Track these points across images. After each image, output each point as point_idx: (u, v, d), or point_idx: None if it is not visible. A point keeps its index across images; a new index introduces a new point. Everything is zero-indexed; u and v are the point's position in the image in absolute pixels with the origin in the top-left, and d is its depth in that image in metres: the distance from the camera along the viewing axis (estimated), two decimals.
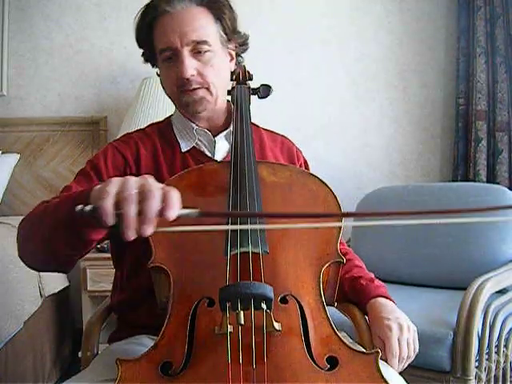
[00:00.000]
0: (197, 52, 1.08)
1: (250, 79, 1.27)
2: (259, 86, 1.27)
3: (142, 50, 1.18)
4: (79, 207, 0.70)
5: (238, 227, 0.86)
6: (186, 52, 1.07)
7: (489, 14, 2.45)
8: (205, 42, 1.08)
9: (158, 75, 1.18)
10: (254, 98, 1.26)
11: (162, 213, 0.68)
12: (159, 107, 2.30)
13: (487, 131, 2.48)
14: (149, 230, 0.68)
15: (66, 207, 0.82)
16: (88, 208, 0.69)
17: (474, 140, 2.47)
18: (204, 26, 1.08)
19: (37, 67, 2.72)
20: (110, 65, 2.69)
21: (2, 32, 2.68)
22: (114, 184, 0.70)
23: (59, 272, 1.02)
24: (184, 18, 1.08)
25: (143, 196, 0.68)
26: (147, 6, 1.12)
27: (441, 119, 2.69)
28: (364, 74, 2.70)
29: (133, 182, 0.70)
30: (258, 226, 0.87)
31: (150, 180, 0.71)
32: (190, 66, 1.07)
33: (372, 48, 2.69)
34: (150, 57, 1.18)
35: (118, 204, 0.67)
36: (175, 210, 0.68)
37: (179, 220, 0.70)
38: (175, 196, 0.69)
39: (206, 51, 1.08)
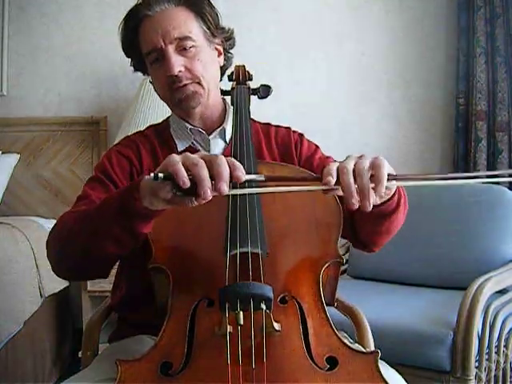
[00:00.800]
0: (182, 49, 1.09)
1: (250, 79, 1.27)
2: (259, 86, 1.27)
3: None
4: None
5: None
6: (170, 50, 1.08)
7: (489, 13, 2.44)
8: (188, 38, 1.09)
9: (151, 83, 1.19)
10: (253, 98, 1.26)
11: (232, 175, 0.71)
12: (159, 107, 2.29)
13: (487, 131, 2.47)
14: (225, 188, 0.70)
15: (116, 202, 0.85)
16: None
17: (474, 140, 2.47)
18: (185, 23, 1.10)
19: (37, 67, 2.72)
20: (110, 65, 2.68)
21: (2, 32, 2.68)
22: (177, 157, 0.73)
23: (98, 278, 1.03)
24: (164, 17, 1.09)
25: (211, 163, 0.71)
26: (128, 14, 1.13)
27: (441, 119, 2.68)
28: (364, 74, 2.69)
29: (192, 155, 0.73)
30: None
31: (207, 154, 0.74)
32: (177, 62, 1.08)
33: (372, 48, 2.68)
34: (138, 64, 1.19)
35: (188, 170, 0.71)
36: (243, 171, 0.72)
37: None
38: (237, 162, 0.72)
39: (190, 47, 1.09)
